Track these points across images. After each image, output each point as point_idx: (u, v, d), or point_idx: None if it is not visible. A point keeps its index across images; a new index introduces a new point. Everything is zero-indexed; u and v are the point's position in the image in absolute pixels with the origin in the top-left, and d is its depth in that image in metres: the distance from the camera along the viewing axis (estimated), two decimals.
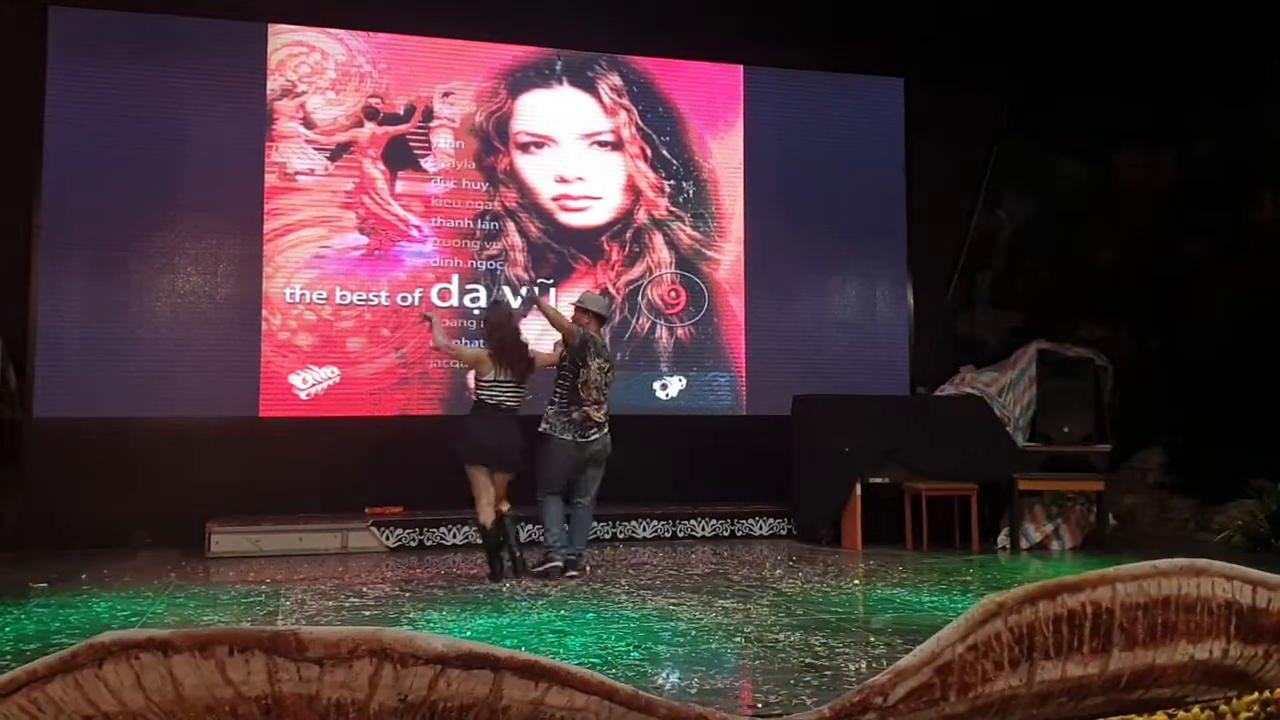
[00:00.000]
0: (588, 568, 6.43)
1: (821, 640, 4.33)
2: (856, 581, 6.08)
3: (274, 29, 8.18)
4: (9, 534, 7.36)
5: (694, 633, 4.54)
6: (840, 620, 4.81)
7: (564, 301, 8.46)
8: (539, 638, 4.42)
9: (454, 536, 7.61)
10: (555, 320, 6.28)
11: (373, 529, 7.48)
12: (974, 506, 7.58)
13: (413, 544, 7.51)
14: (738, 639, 4.40)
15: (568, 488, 6.29)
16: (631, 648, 4.22)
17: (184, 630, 2.08)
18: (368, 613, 5.04)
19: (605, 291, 8.54)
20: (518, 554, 6.16)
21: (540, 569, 6.14)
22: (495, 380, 6.16)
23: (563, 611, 5.04)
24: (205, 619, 4.89)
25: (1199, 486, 8.74)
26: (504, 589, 5.77)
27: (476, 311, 8.36)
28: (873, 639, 4.36)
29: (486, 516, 6.08)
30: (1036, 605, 2.87)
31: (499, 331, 6.25)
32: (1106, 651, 2.84)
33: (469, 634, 4.52)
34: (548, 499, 6.23)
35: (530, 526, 7.15)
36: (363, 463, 7.95)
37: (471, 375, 6.61)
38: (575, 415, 6.13)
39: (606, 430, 6.26)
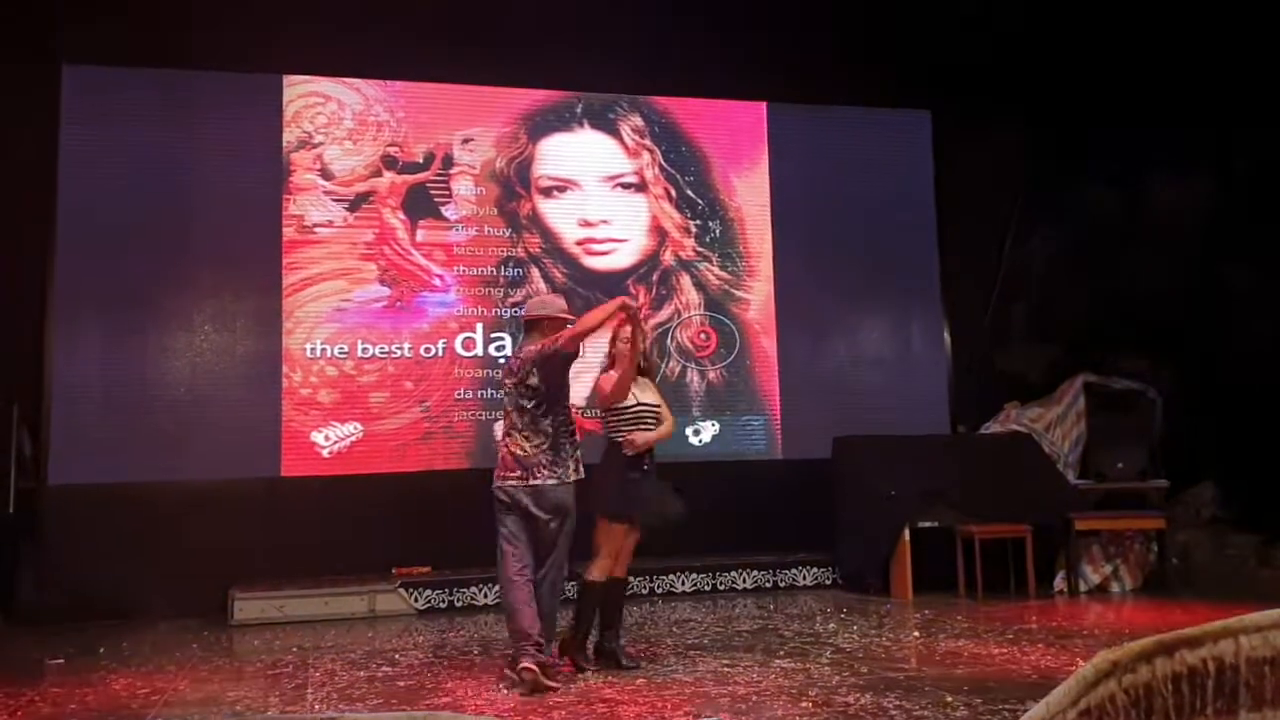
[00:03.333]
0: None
1: (895, 702, 4.00)
2: (916, 634, 5.74)
3: (289, 80, 8.04)
4: (24, 607, 7.09)
5: (755, 697, 4.22)
6: (910, 679, 4.48)
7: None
8: (589, 708, 4.11)
9: (485, 596, 7.29)
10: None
11: (401, 591, 7.18)
12: (1029, 549, 7.22)
13: (442, 605, 7.20)
14: (804, 703, 4.07)
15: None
16: (690, 717, 3.90)
17: None
18: (402, 683, 4.74)
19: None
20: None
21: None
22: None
23: (610, 677, 4.71)
24: (230, 695, 4.59)
25: (1257, 521, 8.37)
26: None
27: (501, 360, 8.13)
28: (950, 699, 4.03)
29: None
30: (1153, 663, 2.57)
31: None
32: (1233, 712, 2.54)
33: (513, 705, 4.21)
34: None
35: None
36: (388, 521, 7.66)
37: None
38: (514, 451, 4.77)
39: (558, 476, 4.70)
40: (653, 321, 8.55)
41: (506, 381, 4.91)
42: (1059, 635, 5.57)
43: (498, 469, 4.76)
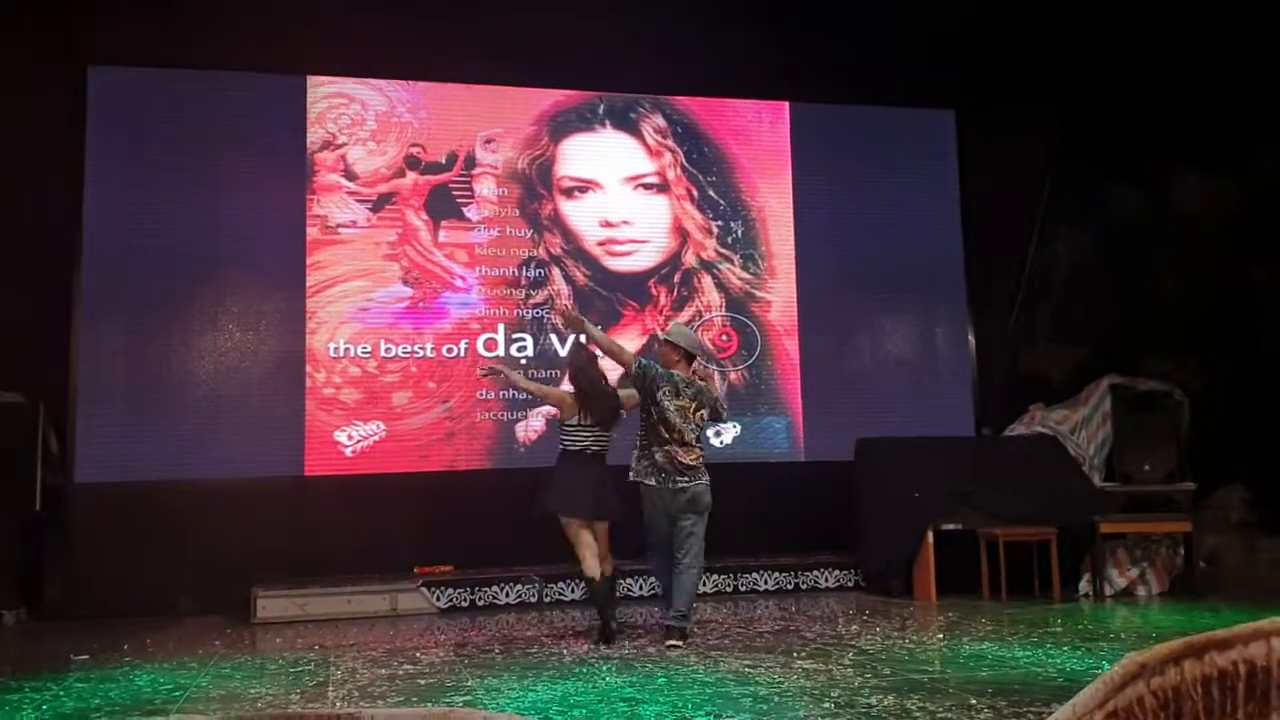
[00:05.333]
0: (685, 633, 5.60)
1: (918, 704, 3.96)
2: (940, 636, 5.69)
3: (313, 81, 8.08)
4: (51, 603, 7.17)
5: (776, 698, 4.19)
6: (933, 681, 4.44)
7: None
8: (609, 706, 4.09)
9: (507, 596, 7.30)
10: (606, 348, 5.86)
11: (423, 589, 7.19)
12: (1054, 552, 7.15)
13: (464, 604, 7.21)
14: (826, 704, 4.04)
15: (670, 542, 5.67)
16: (711, 717, 3.88)
17: (232, 716, 1.82)
18: (423, 681, 4.74)
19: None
20: (609, 620, 5.77)
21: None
22: (579, 424, 5.84)
23: (631, 677, 4.70)
24: (252, 692, 4.61)
25: None
26: (565, 652, 5.44)
27: (524, 361, 8.15)
28: (974, 701, 3.99)
29: (591, 570, 5.71)
30: (1182, 665, 2.53)
31: (580, 376, 5.92)
32: (1264, 715, 2.49)
33: (533, 703, 4.20)
34: (655, 556, 5.82)
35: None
36: (411, 520, 7.69)
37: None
38: (657, 457, 5.58)
39: (701, 478, 5.64)
40: (674, 323, 8.51)
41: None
42: (1085, 638, 5.51)
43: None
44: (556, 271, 8.37)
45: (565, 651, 5.46)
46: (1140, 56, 8.68)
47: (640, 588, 7.48)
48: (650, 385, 5.62)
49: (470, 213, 8.27)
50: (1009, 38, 8.75)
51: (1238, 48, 8.43)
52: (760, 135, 8.97)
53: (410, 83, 8.26)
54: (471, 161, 8.30)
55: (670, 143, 8.74)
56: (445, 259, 8.17)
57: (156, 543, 7.22)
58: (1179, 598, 7.17)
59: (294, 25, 7.81)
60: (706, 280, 8.69)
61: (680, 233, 8.69)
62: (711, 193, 8.78)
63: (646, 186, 8.68)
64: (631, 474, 5.69)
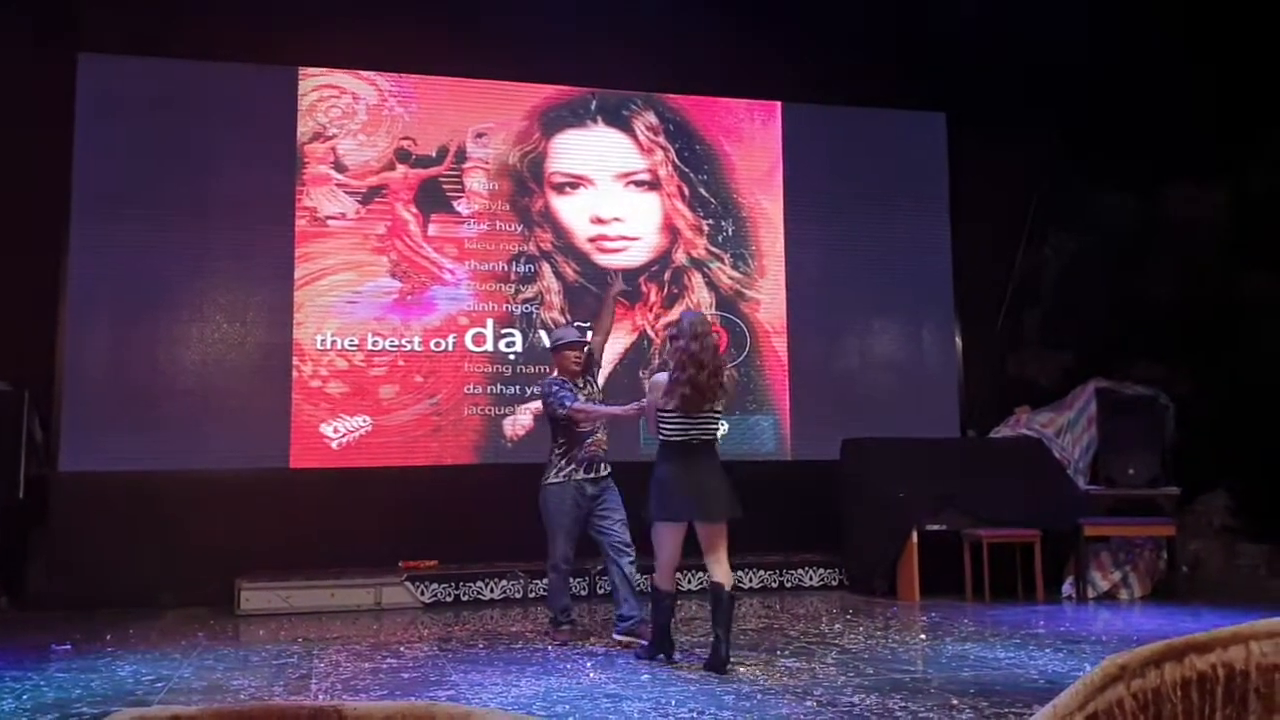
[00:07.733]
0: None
1: (900, 703, 3.98)
2: (922, 636, 5.72)
3: (304, 72, 8.05)
4: (33, 593, 7.12)
5: (759, 695, 4.20)
6: (915, 680, 4.46)
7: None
8: (592, 703, 4.10)
9: (491, 591, 7.29)
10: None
11: (407, 584, 7.18)
12: (1037, 554, 7.19)
13: (449, 599, 7.20)
14: (808, 702, 4.06)
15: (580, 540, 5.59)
16: (695, 713, 3.89)
17: (211, 707, 1.80)
18: (406, 675, 4.74)
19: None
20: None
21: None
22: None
23: (614, 673, 4.71)
24: (235, 683, 4.60)
25: (1269, 531, 8.31)
26: (548, 648, 5.44)
27: (512, 356, 8.14)
28: (956, 702, 4.01)
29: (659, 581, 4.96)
30: (1162, 668, 2.55)
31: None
32: (1242, 719, 2.52)
33: (516, 699, 4.21)
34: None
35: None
36: (396, 515, 7.66)
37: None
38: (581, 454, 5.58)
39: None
40: (663, 320, 8.52)
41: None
42: (1066, 640, 5.54)
43: None
44: (546, 267, 8.36)
45: (549, 647, 5.46)
46: (1135, 62, 8.70)
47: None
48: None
49: (460, 207, 8.25)
50: (1002, 41, 8.76)
51: (1233, 55, 8.46)
52: (752, 135, 8.98)
53: (402, 75, 8.23)
54: (462, 155, 8.28)
55: (662, 140, 8.74)
56: (434, 252, 8.15)
57: (140, 533, 7.18)
58: (1161, 601, 7.23)
59: (286, 16, 7.78)
60: (696, 278, 8.70)
61: (671, 230, 8.69)
62: (703, 191, 8.78)
63: (638, 183, 8.67)
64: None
